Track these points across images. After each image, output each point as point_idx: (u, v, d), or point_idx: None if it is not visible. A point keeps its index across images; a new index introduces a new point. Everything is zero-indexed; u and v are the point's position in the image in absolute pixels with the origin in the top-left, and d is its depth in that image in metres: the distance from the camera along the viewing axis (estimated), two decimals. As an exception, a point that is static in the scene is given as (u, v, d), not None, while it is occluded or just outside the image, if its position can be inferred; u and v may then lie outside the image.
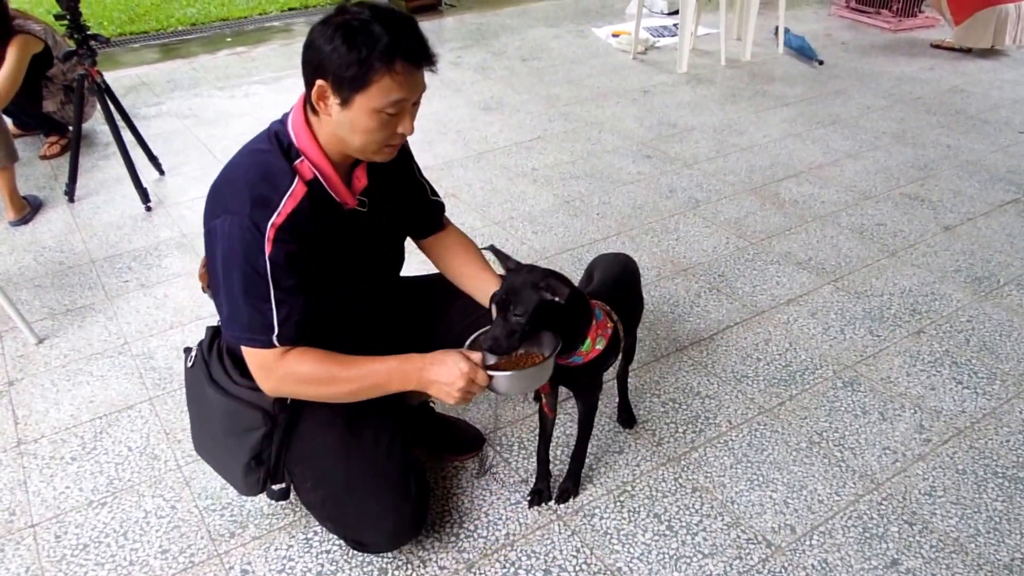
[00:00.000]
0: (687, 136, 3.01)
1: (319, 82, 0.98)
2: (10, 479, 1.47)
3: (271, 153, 1.03)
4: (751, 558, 1.27)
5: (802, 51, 3.86)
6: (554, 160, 2.80)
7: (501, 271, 1.18)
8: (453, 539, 1.32)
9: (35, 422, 1.62)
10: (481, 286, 1.24)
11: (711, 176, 2.67)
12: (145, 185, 2.52)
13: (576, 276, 2.08)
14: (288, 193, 1.01)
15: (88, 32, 2.37)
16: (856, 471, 1.44)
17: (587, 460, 1.47)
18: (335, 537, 1.32)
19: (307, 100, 1.03)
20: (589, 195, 2.54)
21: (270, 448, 1.16)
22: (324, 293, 1.09)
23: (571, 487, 1.39)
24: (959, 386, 1.65)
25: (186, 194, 2.64)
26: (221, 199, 1.04)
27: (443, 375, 1.05)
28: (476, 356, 1.08)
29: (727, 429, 1.55)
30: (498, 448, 1.51)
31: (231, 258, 1.01)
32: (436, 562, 1.28)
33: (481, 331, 1.16)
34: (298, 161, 1.04)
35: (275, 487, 1.21)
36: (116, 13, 5.08)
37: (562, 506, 1.38)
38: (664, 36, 4.27)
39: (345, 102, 0.98)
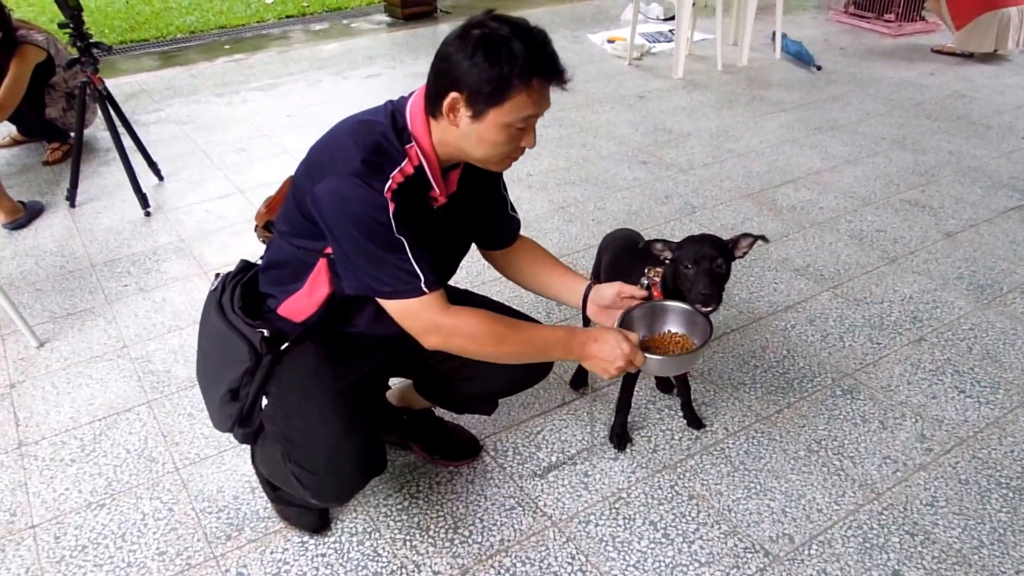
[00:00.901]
0: (683, 142, 3.01)
1: (453, 94, 0.99)
2: (11, 480, 1.48)
3: (387, 128, 1.04)
4: (748, 567, 1.26)
5: (800, 56, 3.86)
6: (549, 166, 2.80)
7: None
8: (447, 544, 1.32)
9: (36, 424, 1.63)
10: (570, 284, 1.30)
11: (707, 182, 2.67)
12: (144, 191, 2.53)
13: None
14: (399, 168, 1.02)
15: (90, 40, 2.40)
16: (856, 480, 1.43)
17: (582, 466, 1.47)
18: (331, 541, 1.32)
19: (429, 103, 1.04)
20: (584, 201, 2.54)
21: (250, 386, 1.15)
22: None
23: (696, 416, 1.56)
24: (961, 395, 1.64)
25: (184, 199, 2.65)
26: (330, 161, 1.03)
27: (605, 352, 1.10)
28: (634, 337, 1.13)
29: (724, 436, 1.54)
30: (493, 454, 1.51)
31: (356, 216, 1.00)
32: (430, 567, 1.28)
33: (633, 307, 1.23)
34: (409, 146, 1.05)
35: (242, 429, 1.20)
36: (117, 21, 5.13)
37: (557, 512, 1.38)
38: (660, 42, 4.28)
39: (477, 115, 1.00)
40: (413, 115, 1.06)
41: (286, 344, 1.16)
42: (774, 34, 4.01)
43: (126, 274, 2.20)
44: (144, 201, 2.52)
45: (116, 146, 2.48)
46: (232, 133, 3.21)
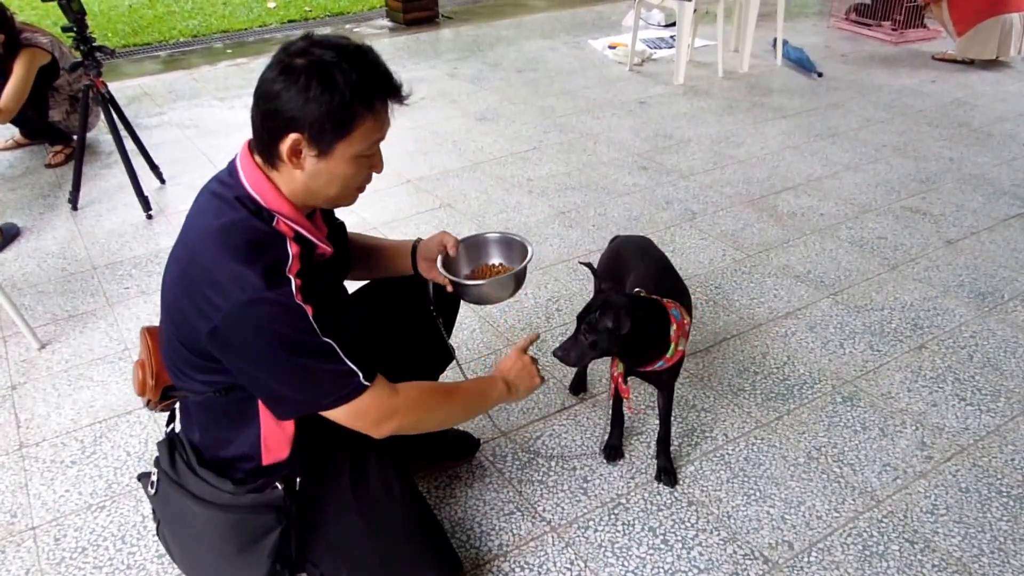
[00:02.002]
0: (683, 148, 3.01)
1: (292, 136, 0.88)
2: (12, 482, 1.49)
3: (244, 217, 0.92)
4: (748, 574, 1.26)
5: (801, 63, 3.87)
6: (549, 171, 2.80)
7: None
8: (446, 551, 1.32)
9: (37, 426, 1.63)
10: (397, 253, 1.28)
11: (708, 188, 2.67)
12: (146, 193, 2.54)
13: (572, 284, 2.09)
14: (290, 256, 0.92)
15: (94, 44, 2.41)
16: (856, 487, 1.42)
17: (581, 471, 1.47)
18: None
19: (263, 153, 0.94)
20: (585, 206, 2.54)
21: (289, 544, 1.06)
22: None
23: (668, 466, 1.45)
24: (962, 403, 1.63)
25: (186, 203, 2.60)
26: (216, 288, 0.89)
27: (513, 368, 1.18)
28: (519, 356, 1.21)
29: (724, 443, 1.54)
30: (492, 459, 1.51)
31: (277, 337, 0.89)
32: (429, 574, 1.27)
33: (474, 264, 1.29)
34: (275, 221, 0.94)
35: None
36: (121, 25, 5.16)
37: (556, 517, 1.37)
38: (661, 48, 4.29)
39: (324, 152, 0.90)
40: (255, 185, 0.94)
41: (298, 481, 1.06)
42: (775, 41, 4.02)
43: (128, 277, 2.21)
44: (146, 204, 2.53)
45: (118, 149, 2.49)
46: (234, 137, 3.22)
